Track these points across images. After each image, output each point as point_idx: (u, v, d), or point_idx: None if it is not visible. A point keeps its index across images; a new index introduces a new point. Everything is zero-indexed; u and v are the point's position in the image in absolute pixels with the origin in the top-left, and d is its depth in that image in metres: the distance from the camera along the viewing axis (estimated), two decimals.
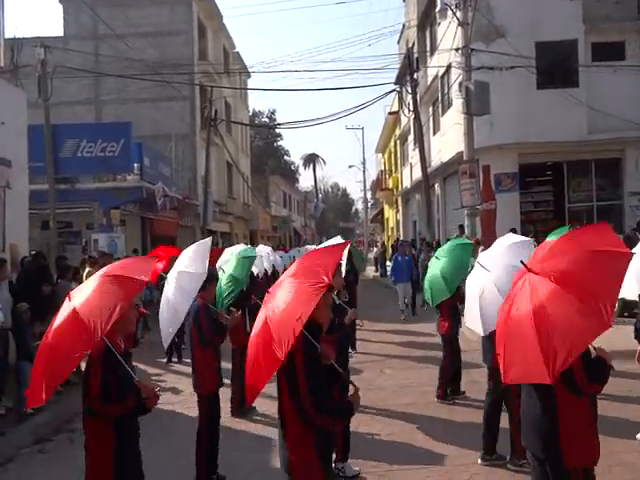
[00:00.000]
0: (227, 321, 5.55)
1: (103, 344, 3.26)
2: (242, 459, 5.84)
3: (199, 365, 5.35)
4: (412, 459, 5.59)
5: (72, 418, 7.49)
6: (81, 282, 9.93)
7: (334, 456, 4.46)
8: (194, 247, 5.54)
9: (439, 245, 17.48)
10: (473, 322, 5.10)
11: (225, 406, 7.34)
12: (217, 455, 5.26)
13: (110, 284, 3.34)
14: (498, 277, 4.76)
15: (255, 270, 8.62)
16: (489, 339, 5.09)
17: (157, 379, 9.55)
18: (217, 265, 7.32)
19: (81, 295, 3.39)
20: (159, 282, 10.97)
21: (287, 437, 3.12)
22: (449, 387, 7.47)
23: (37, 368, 3.32)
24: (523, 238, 5.56)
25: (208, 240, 5.69)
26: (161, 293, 5.27)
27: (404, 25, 27.78)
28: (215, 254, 15.22)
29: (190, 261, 5.24)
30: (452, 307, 7.29)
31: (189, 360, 11.03)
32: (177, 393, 8.54)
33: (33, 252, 9.57)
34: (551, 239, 6.49)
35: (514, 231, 13.29)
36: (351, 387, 3.26)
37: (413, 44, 24.66)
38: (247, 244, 11.45)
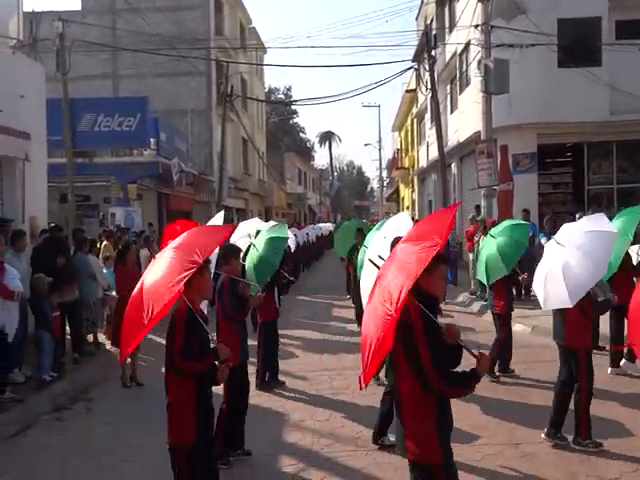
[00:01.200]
0: (256, 296, 5.53)
1: (186, 306, 3.45)
2: (256, 432, 5.94)
3: (223, 339, 5.37)
4: None
5: (89, 388, 7.68)
6: (98, 255, 10.11)
7: None
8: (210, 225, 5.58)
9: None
10: (556, 300, 5.06)
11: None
12: (241, 430, 5.29)
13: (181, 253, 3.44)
14: (582, 245, 4.86)
15: None
16: (561, 315, 5.18)
17: None
18: (251, 242, 7.24)
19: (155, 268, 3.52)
20: None
21: (404, 413, 3.04)
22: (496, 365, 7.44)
23: (127, 321, 3.42)
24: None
25: (221, 214, 5.72)
26: None
27: (422, 1, 27.31)
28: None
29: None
30: (507, 286, 7.43)
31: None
32: None
33: (51, 224, 9.69)
34: (620, 219, 6.53)
35: (527, 212, 13.22)
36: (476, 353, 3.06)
37: (432, 20, 24.26)
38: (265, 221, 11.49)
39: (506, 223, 7.81)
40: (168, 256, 3.48)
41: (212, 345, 3.61)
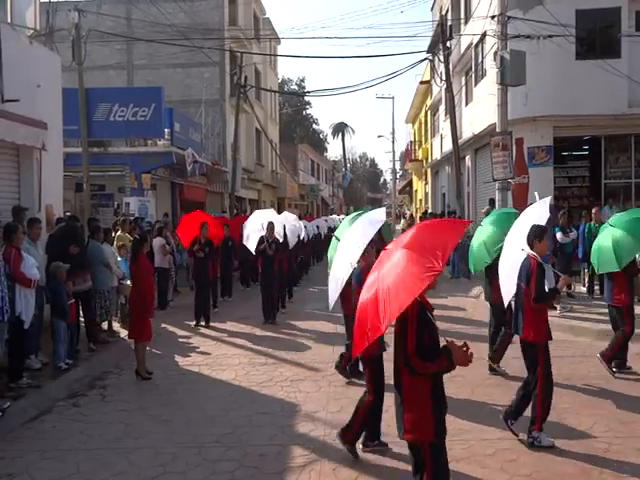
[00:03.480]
0: None
1: (416, 301, 3.30)
2: (268, 422, 5.99)
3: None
4: None
5: (104, 375, 7.77)
6: (112, 243, 10.19)
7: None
8: (363, 220, 6.14)
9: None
10: None
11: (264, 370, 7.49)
12: (380, 420, 5.25)
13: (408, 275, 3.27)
14: None
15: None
16: None
17: (185, 341, 9.79)
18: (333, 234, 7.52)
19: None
20: (191, 247, 11.20)
21: None
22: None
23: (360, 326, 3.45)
24: None
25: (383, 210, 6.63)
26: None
27: None
28: (240, 220, 15.38)
29: (356, 233, 5.80)
30: (627, 278, 7.06)
31: (215, 324, 11.18)
32: (204, 355, 8.75)
33: (68, 213, 9.78)
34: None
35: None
36: None
37: (447, 11, 24.03)
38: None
39: (632, 212, 7.39)
40: (404, 257, 3.31)
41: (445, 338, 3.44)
